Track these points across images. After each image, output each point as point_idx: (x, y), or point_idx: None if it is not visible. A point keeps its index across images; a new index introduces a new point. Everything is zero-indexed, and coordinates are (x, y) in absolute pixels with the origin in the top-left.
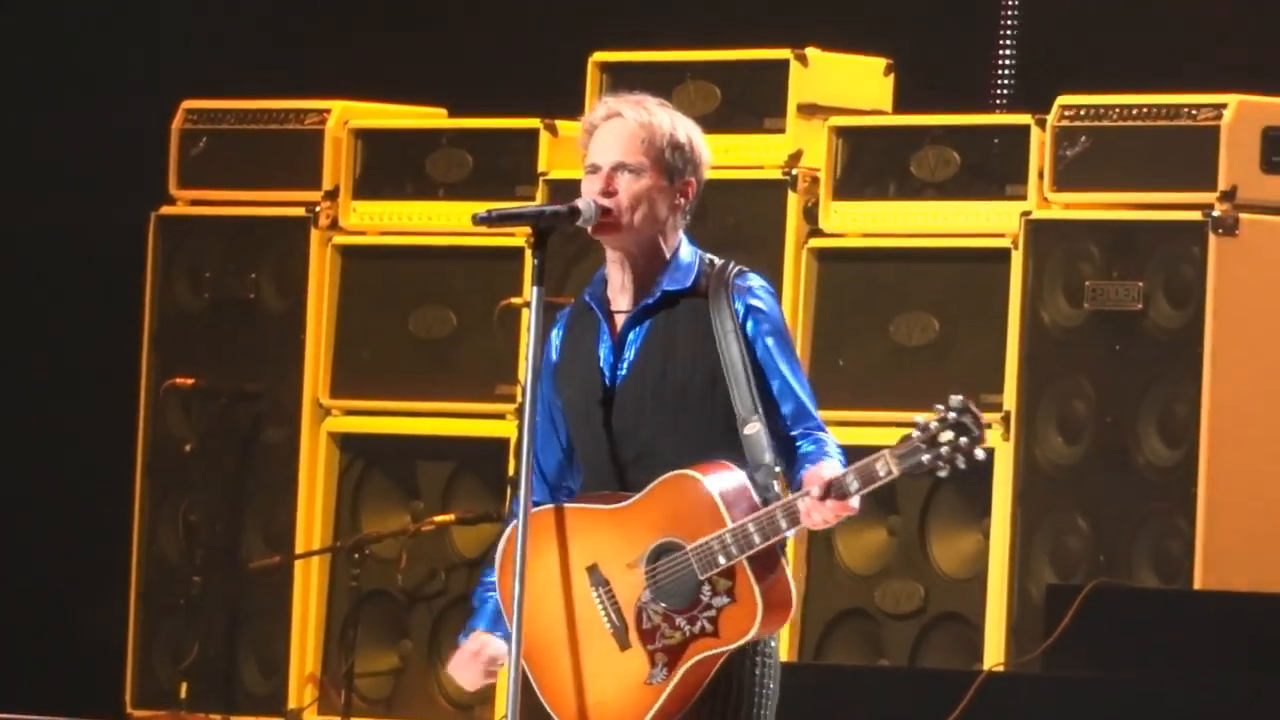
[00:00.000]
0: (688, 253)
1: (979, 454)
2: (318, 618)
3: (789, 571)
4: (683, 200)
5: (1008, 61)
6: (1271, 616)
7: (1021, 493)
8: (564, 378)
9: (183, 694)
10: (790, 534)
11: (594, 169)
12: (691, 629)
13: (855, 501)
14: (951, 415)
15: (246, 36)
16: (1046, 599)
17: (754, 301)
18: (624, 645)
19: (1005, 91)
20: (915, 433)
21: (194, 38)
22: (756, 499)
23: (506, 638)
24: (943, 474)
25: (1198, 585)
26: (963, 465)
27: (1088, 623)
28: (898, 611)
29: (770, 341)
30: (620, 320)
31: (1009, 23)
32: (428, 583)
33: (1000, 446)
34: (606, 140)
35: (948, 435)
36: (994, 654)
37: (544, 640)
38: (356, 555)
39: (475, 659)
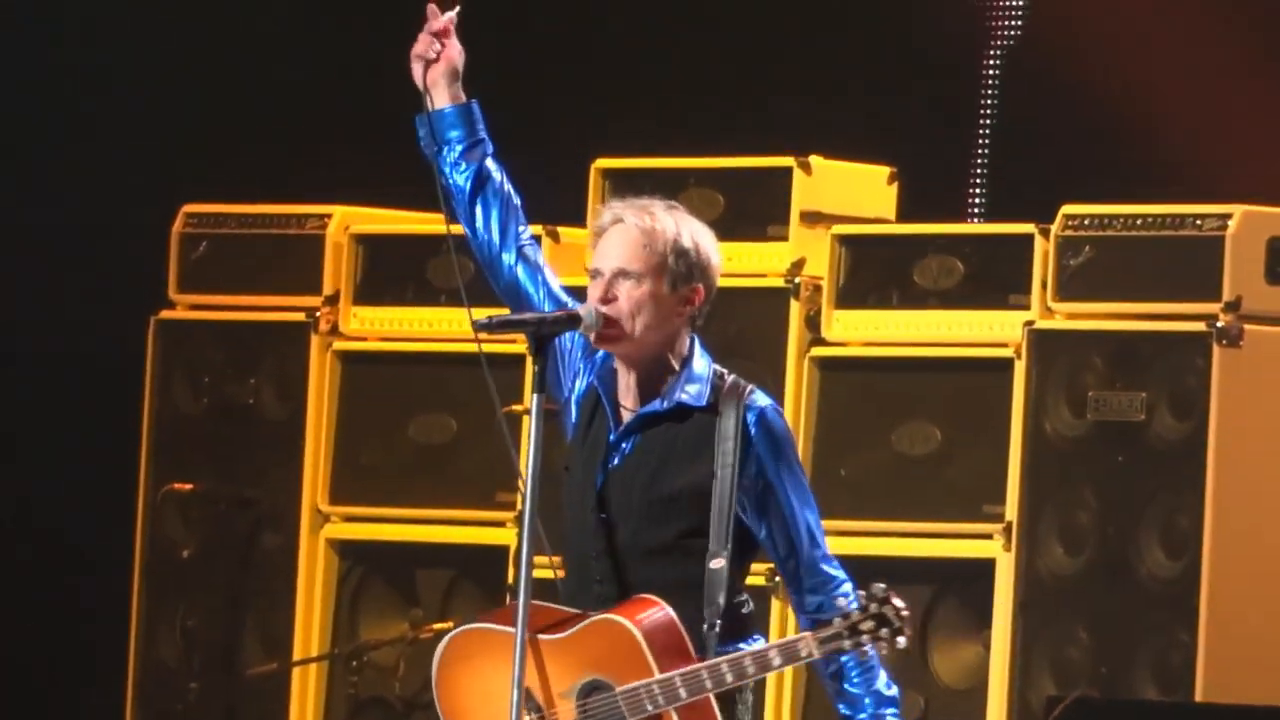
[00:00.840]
0: (701, 364)
1: (900, 642)
2: (316, 714)
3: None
4: (688, 307)
5: (981, 171)
6: None
7: (1022, 603)
8: (573, 454)
9: None
10: (754, 675)
11: (595, 274)
12: None
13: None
14: (873, 606)
15: (247, 139)
16: (1046, 710)
17: (761, 407)
18: None
19: (980, 201)
20: (838, 619)
21: (195, 140)
22: (689, 646)
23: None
24: (869, 648)
25: (1198, 698)
26: (885, 651)
27: None
28: None
29: (776, 453)
30: (626, 417)
31: (984, 135)
32: (426, 690)
33: (1001, 557)
34: (608, 246)
35: (868, 624)
36: None
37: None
38: (354, 662)
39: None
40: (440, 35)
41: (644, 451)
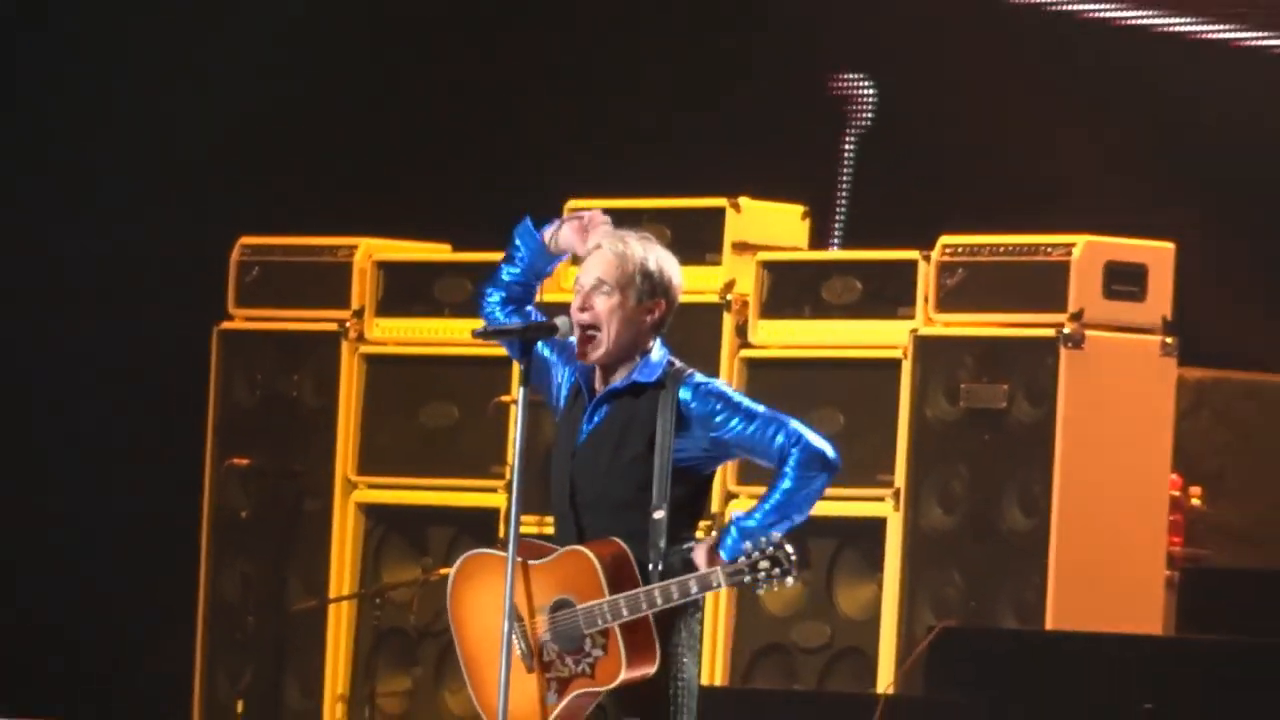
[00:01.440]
0: (658, 355)
1: (789, 581)
2: (347, 650)
3: (655, 635)
4: (651, 317)
5: (843, 205)
6: (1093, 650)
7: (908, 552)
8: (557, 431)
9: (239, 710)
10: (678, 599)
11: (579, 289)
12: (575, 669)
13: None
14: (770, 549)
15: (290, 184)
16: (925, 636)
17: (700, 381)
18: (530, 669)
19: (840, 231)
20: (742, 558)
21: (250, 183)
22: (639, 577)
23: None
24: (760, 590)
25: (1048, 626)
26: (775, 588)
27: (952, 654)
28: (808, 646)
29: (720, 406)
30: (596, 396)
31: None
32: (434, 622)
33: (891, 516)
34: (590, 266)
35: (765, 564)
36: (885, 680)
37: (480, 655)
38: (378, 600)
39: (578, 223)
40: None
41: (609, 421)
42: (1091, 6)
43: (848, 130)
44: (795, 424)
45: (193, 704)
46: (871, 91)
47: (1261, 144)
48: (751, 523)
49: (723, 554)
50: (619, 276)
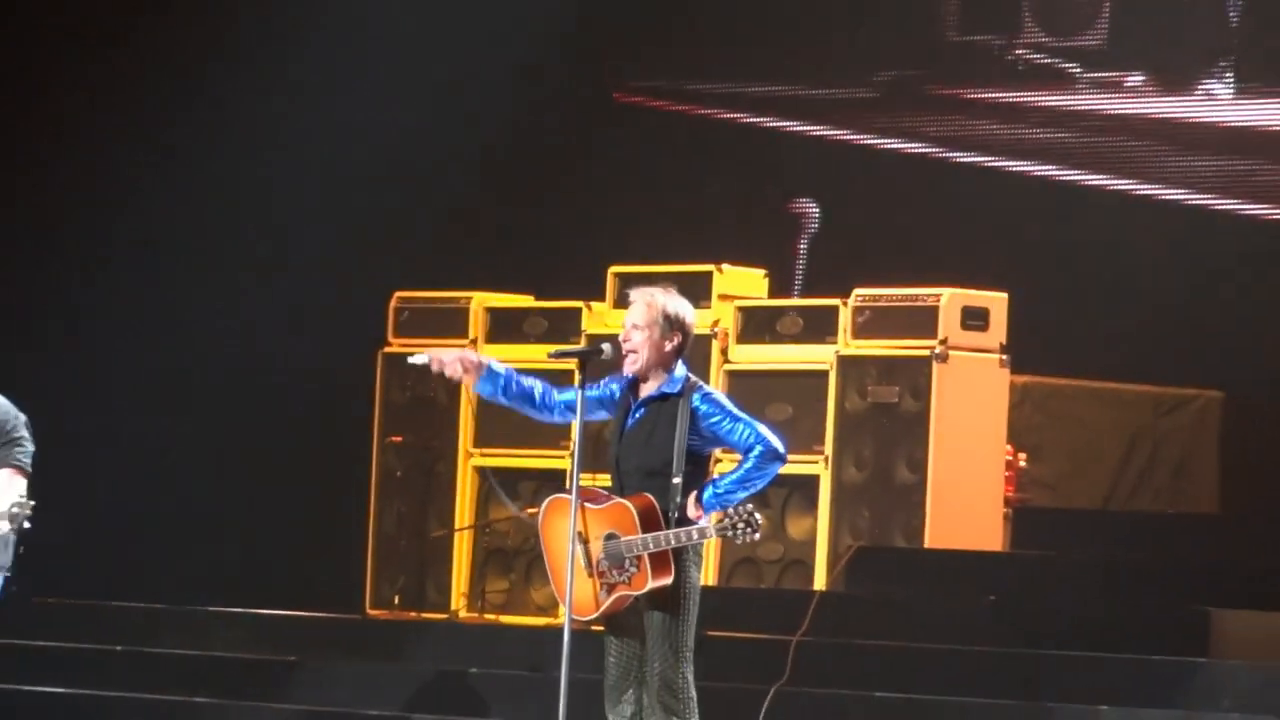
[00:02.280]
0: (680, 372)
1: (756, 537)
2: (465, 562)
3: (672, 559)
4: (672, 344)
5: (800, 273)
6: (956, 560)
7: (834, 497)
8: (612, 427)
9: (396, 601)
10: (686, 542)
11: (624, 326)
12: (618, 578)
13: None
14: (743, 511)
15: (423, 251)
16: (847, 553)
17: (703, 390)
18: (589, 575)
19: (798, 287)
20: (725, 519)
21: (398, 247)
22: (662, 521)
23: (489, 384)
24: (738, 542)
25: (926, 546)
26: (748, 540)
27: (863, 564)
28: (768, 559)
29: (714, 409)
30: (636, 401)
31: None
32: (523, 544)
33: (823, 473)
34: (630, 311)
35: (741, 525)
36: (820, 582)
37: (557, 565)
38: (485, 530)
39: (457, 354)
40: (453, 371)
41: (644, 420)
42: (986, 158)
43: (801, 235)
44: (762, 428)
45: (364, 599)
46: (816, 208)
47: (1060, 236)
48: (720, 488)
49: (703, 504)
50: (648, 319)
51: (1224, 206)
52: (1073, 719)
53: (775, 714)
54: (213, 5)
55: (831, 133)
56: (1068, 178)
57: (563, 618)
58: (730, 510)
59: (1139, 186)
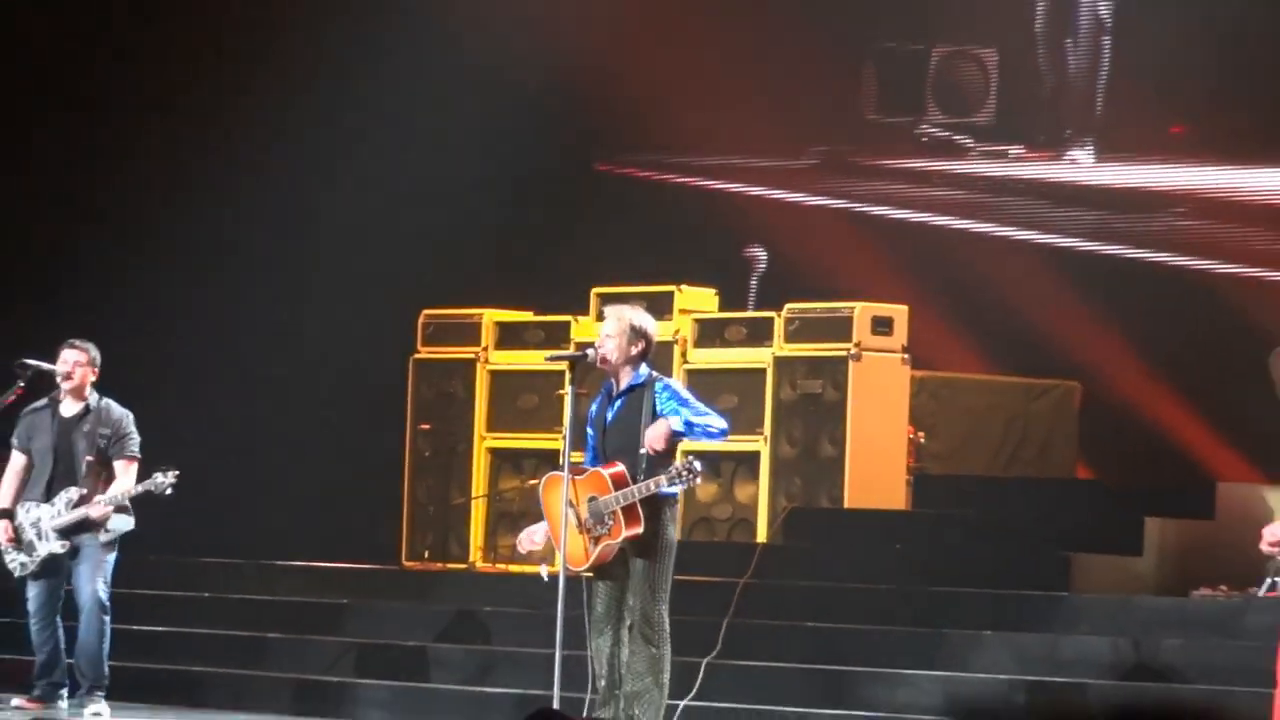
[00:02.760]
0: (644, 371)
1: (697, 481)
2: (482, 523)
3: (640, 510)
4: (637, 350)
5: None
6: (869, 517)
7: (773, 469)
8: (598, 410)
9: (426, 555)
10: (646, 493)
11: (600, 334)
12: (601, 531)
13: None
14: (685, 465)
15: (444, 278)
16: (782, 512)
17: (663, 382)
18: (580, 532)
19: (755, 298)
20: (673, 472)
21: (424, 280)
22: (630, 484)
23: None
24: (684, 487)
25: (845, 506)
26: (692, 485)
27: (796, 522)
28: (720, 518)
29: (670, 395)
30: (614, 394)
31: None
32: (527, 507)
33: (763, 448)
34: (605, 323)
35: (686, 474)
36: (762, 536)
37: (556, 523)
38: (497, 497)
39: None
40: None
41: (623, 409)
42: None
43: (752, 274)
44: (711, 411)
45: (400, 553)
46: (764, 255)
47: (953, 267)
48: (682, 418)
49: (670, 424)
50: (618, 329)
51: (1084, 247)
52: (962, 642)
53: (727, 642)
54: (300, 70)
55: (776, 194)
56: (961, 226)
57: (559, 567)
58: (674, 467)
59: (1017, 232)
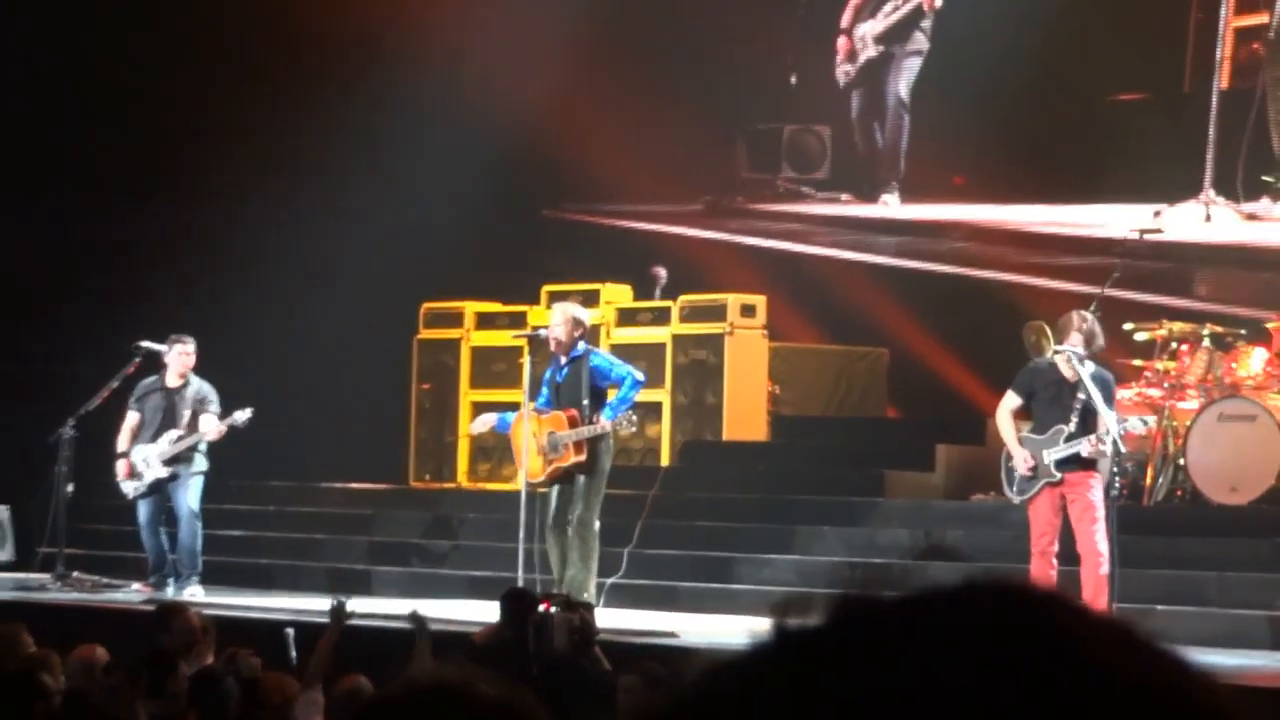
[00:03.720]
0: (582, 347)
1: (633, 429)
2: (466, 455)
3: (587, 443)
4: (576, 334)
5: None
6: (741, 448)
7: (673, 415)
8: (550, 374)
9: (427, 478)
10: (593, 433)
11: (550, 323)
12: (555, 456)
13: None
14: (626, 416)
15: (439, 278)
16: (680, 448)
17: (595, 353)
18: (540, 453)
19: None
20: (617, 420)
21: (425, 278)
22: (581, 423)
23: (503, 426)
24: (623, 432)
25: (724, 440)
26: (630, 430)
27: (691, 452)
28: (636, 448)
29: (597, 365)
30: (561, 364)
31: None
32: (498, 441)
33: (665, 400)
34: (552, 315)
35: (625, 422)
36: (665, 461)
37: (520, 450)
38: (474, 435)
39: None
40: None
41: (568, 376)
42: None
43: (656, 287)
44: (631, 368)
45: (408, 476)
46: (665, 273)
47: (799, 274)
48: (613, 403)
49: (604, 414)
50: (562, 320)
51: (892, 264)
52: (808, 537)
53: (642, 536)
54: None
55: (675, 230)
56: (806, 250)
57: (521, 484)
58: (619, 415)
59: (845, 254)
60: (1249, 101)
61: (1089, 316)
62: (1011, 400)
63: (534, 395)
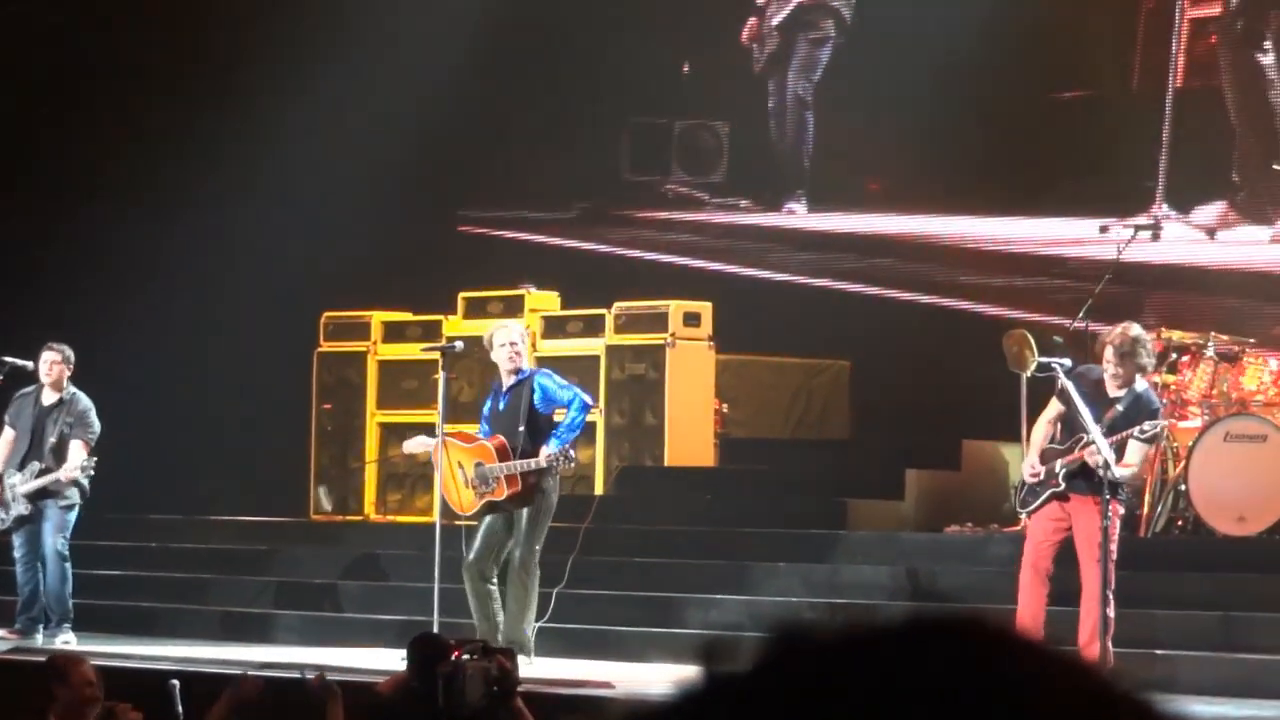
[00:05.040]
0: (530, 365)
1: (572, 466)
2: (375, 483)
3: (519, 478)
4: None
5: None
6: (692, 473)
7: (607, 436)
8: (492, 399)
9: (329, 509)
10: (526, 469)
11: (510, 351)
12: (486, 490)
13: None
14: (564, 453)
15: (341, 286)
16: (616, 473)
17: (543, 372)
18: (468, 487)
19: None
20: (554, 457)
21: (324, 287)
22: (511, 455)
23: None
24: (560, 471)
25: (666, 464)
26: (569, 469)
27: (627, 478)
28: (567, 476)
29: (548, 382)
30: (504, 389)
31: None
32: (413, 469)
33: (600, 420)
34: (502, 335)
35: (563, 459)
36: (599, 489)
37: (446, 481)
38: (385, 462)
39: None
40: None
41: (510, 398)
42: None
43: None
44: (579, 391)
45: (309, 508)
46: (534, 288)
47: (723, 289)
48: (560, 433)
49: (549, 445)
50: (518, 338)
51: (807, 283)
52: (761, 574)
53: (573, 575)
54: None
55: (552, 240)
56: (701, 265)
57: (435, 517)
58: (557, 451)
59: (747, 270)
60: (1207, 102)
61: (1138, 332)
62: (1052, 408)
63: (450, 415)
